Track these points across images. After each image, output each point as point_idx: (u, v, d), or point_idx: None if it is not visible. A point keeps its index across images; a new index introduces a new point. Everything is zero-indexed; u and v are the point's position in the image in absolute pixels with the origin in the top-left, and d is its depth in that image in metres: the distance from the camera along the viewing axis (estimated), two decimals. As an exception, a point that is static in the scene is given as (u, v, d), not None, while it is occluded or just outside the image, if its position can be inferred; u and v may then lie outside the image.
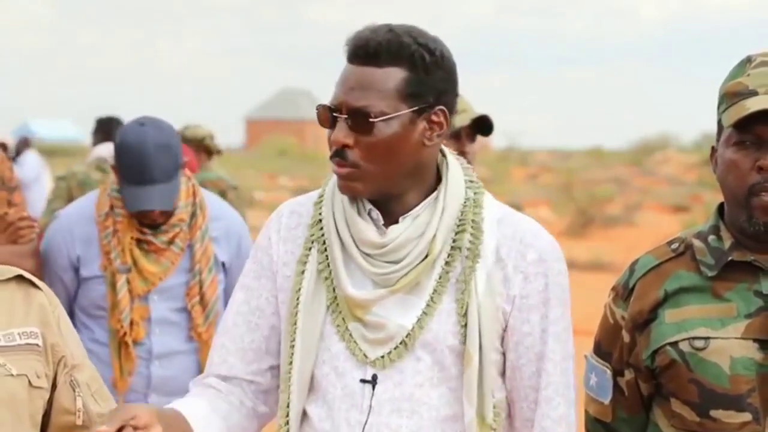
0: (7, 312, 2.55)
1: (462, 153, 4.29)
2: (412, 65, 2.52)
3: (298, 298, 2.58)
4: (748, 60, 2.70)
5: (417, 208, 2.57)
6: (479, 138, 4.59)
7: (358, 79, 2.52)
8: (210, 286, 4.23)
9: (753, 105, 2.61)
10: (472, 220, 2.57)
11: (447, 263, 2.55)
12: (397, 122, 2.51)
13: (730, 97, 2.68)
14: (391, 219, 2.57)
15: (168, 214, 4.20)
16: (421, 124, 2.53)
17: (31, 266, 4.07)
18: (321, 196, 2.64)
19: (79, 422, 2.58)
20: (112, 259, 4.18)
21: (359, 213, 2.57)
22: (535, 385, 2.58)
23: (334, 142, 2.52)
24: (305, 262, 2.60)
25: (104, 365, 4.09)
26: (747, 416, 2.64)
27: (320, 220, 2.61)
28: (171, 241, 4.22)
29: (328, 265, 2.57)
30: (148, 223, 4.19)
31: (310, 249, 2.60)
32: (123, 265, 4.18)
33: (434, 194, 2.58)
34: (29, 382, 2.50)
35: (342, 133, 2.52)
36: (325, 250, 2.58)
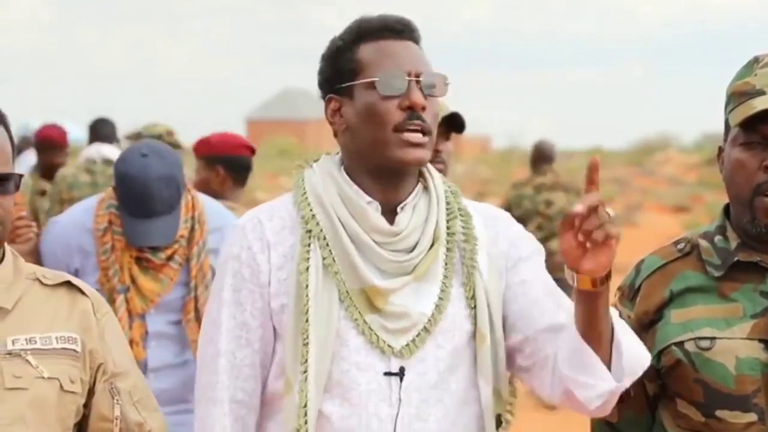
0: (50, 316, 2.55)
1: (436, 151, 4.24)
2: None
3: (306, 296, 2.51)
4: (756, 60, 2.70)
5: (411, 196, 2.59)
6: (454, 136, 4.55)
7: (414, 50, 2.59)
8: (206, 303, 4.15)
9: (760, 104, 2.61)
10: (458, 208, 2.63)
11: (448, 249, 2.58)
12: None
13: (737, 96, 2.67)
14: (387, 209, 2.57)
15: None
16: None
17: None
18: (304, 194, 2.60)
19: (116, 430, 2.56)
20: (110, 276, 4.13)
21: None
22: (555, 306, 2.56)
23: (416, 104, 2.52)
24: (307, 259, 2.53)
25: None
26: (752, 416, 2.64)
27: (314, 216, 2.56)
28: (170, 257, 4.17)
29: (334, 260, 2.53)
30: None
31: (309, 245, 2.54)
32: (121, 284, 4.13)
33: (420, 184, 2.61)
34: (61, 385, 2.49)
35: (421, 95, 2.54)
36: (327, 245, 2.54)
